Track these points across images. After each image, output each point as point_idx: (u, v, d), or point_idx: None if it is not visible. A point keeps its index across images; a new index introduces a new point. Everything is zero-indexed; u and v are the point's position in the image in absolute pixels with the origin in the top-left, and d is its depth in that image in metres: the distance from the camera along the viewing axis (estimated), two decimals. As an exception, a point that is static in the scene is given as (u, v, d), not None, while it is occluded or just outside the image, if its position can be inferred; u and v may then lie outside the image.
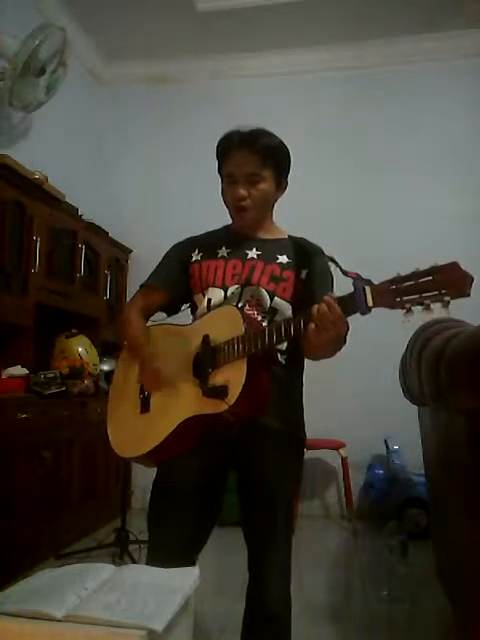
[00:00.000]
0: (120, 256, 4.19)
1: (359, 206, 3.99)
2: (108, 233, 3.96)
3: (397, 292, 1.03)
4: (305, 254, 1.45)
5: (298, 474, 1.50)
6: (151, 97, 4.37)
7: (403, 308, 1.02)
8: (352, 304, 1.10)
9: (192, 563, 1.38)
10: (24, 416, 2.63)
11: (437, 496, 2.23)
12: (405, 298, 1.02)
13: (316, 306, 1.14)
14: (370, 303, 1.07)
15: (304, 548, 2.88)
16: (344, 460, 3.56)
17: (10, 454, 2.54)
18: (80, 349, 3.40)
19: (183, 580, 1.18)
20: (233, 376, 1.23)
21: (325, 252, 1.45)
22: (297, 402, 1.48)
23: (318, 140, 4.06)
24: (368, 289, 1.07)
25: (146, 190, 4.31)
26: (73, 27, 3.82)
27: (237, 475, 1.44)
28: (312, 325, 1.14)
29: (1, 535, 2.43)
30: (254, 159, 1.39)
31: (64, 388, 3.04)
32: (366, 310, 1.08)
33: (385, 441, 3.48)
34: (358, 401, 3.72)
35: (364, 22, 3.86)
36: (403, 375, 2.13)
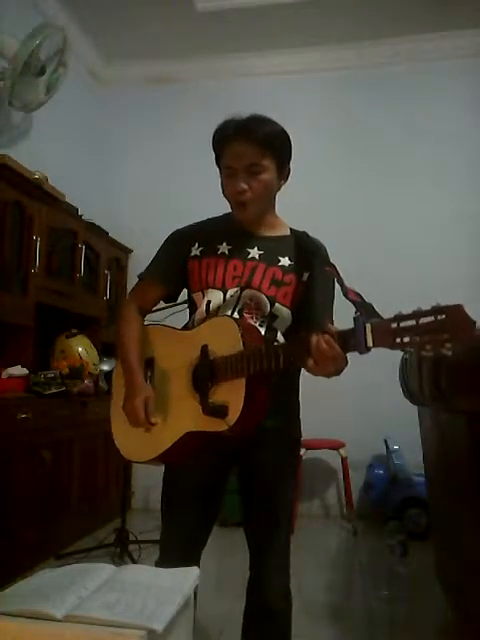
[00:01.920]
0: (120, 256, 4.19)
1: (359, 206, 3.99)
2: (108, 233, 3.96)
3: (397, 333, 1.00)
4: (307, 254, 1.40)
5: (296, 473, 1.51)
6: (151, 97, 4.37)
7: (402, 350, 1.00)
8: (352, 342, 1.07)
9: (197, 560, 1.40)
10: (24, 416, 2.63)
11: (437, 496, 2.23)
12: (405, 340, 0.99)
13: (315, 339, 1.11)
14: (370, 343, 1.03)
15: (304, 548, 2.89)
16: (344, 460, 3.56)
17: (10, 454, 2.54)
18: (80, 349, 3.40)
19: (183, 580, 1.18)
20: (233, 396, 1.21)
21: (330, 263, 1.42)
22: (295, 402, 1.47)
23: (318, 140, 4.06)
24: (368, 328, 1.04)
25: (146, 190, 4.31)
26: (73, 27, 3.81)
27: (238, 476, 1.45)
28: (311, 360, 1.12)
29: (1, 535, 2.43)
30: (253, 149, 1.31)
31: (64, 388, 3.04)
32: (365, 350, 1.04)
33: (385, 441, 3.48)
34: (358, 401, 3.72)
35: (364, 22, 3.86)
36: (403, 375, 2.13)
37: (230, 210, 1.46)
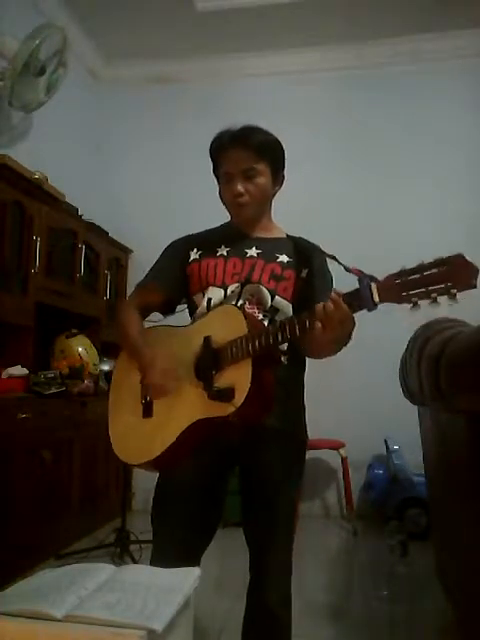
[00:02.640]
0: (120, 256, 4.19)
1: (358, 206, 3.99)
2: (108, 233, 3.96)
3: (403, 286, 1.02)
4: (305, 253, 1.44)
5: (300, 475, 1.49)
6: (151, 97, 4.37)
7: (410, 302, 1.01)
8: (358, 300, 1.09)
9: (196, 564, 1.38)
10: (24, 416, 2.63)
11: (437, 496, 2.23)
12: (411, 292, 1.01)
13: (322, 304, 1.13)
14: (376, 299, 1.05)
15: (304, 548, 2.88)
16: (344, 460, 3.56)
17: (10, 454, 2.54)
18: (80, 349, 3.40)
19: (183, 580, 1.18)
20: (238, 378, 1.21)
21: (324, 251, 1.45)
22: (299, 403, 1.47)
23: (318, 140, 4.06)
24: (374, 285, 1.06)
25: (146, 190, 4.31)
26: (73, 27, 3.81)
27: (239, 476, 1.44)
28: (319, 324, 1.13)
29: (1, 535, 2.43)
30: (248, 154, 1.38)
31: (64, 388, 3.04)
32: (373, 306, 1.06)
33: (385, 441, 3.48)
34: (358, 401, 3.72)
35: (364, 22, 3.86)
36: (403, 375, 2.13)
37: (227, 220, 1.52)
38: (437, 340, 1.61)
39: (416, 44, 4.03)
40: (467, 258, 0.96)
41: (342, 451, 3.54)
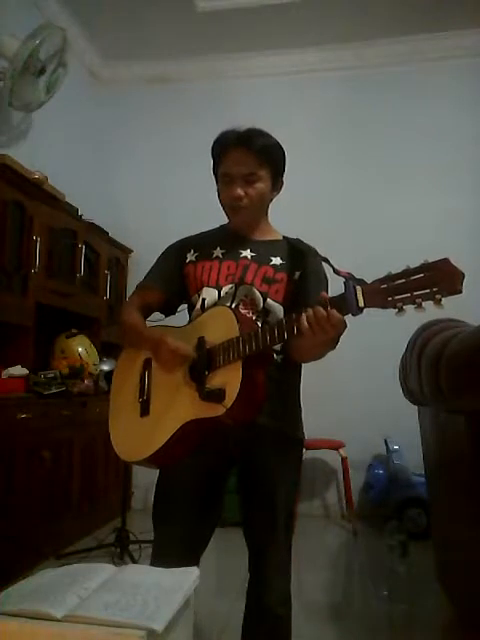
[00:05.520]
0: (120, 256, 4.19)
1: (359, 206, 3.99)
2: (108, 233, 3.96)
3: (388, 291, 1.02)
4: (299, 255, 1.44)
5: (297, 474, 1.50)
6: (151, 97, 4.37)
7: (395, 307, 1.01)
8: (343, 305, 1.08)
9: (196, 563, 1.39)
10: (24, 416, 2.63)
11: (437, 496, 2.23)
12: (397, 297, 1.01)
13: (310, 309, 1.12)
14: (361, 303, 1.05)
15: (304, 548, 2.88)
16: (344, 460, 3.56)
17: (10, 454, 2.54)
18: (80, 349, 3.40)
19: (183, 580, 1.18)
20: (230, 379, 1.22)
21: (323, 252, 1.45)
22: (294, 402, 1.48)
23: (318, 140, 4.07)
24: (359, 289, 1.05)
25: (146, 190, 4.32)
26: (73, 27, 3.81)
27: (237, 476, 1.44)
28: (307, 326, 1.12)
29: (1, 535, 2.43)
30: (251, 159, 1.39)
31: (64, 388, 3.04)
32: (357, 311, 1.06)
33: (385, 441, 3.48)
34: (358, 401, 3.72)
35: (364, 22, 3.86)
36: (403, 375, 2.13)
37: (224, 223, 1.52)
38: (437, 340, 1.61)
39: (416, 44, 4.03)
40: (453, 263, 0.96)
41: (342, 451, 3.54)
